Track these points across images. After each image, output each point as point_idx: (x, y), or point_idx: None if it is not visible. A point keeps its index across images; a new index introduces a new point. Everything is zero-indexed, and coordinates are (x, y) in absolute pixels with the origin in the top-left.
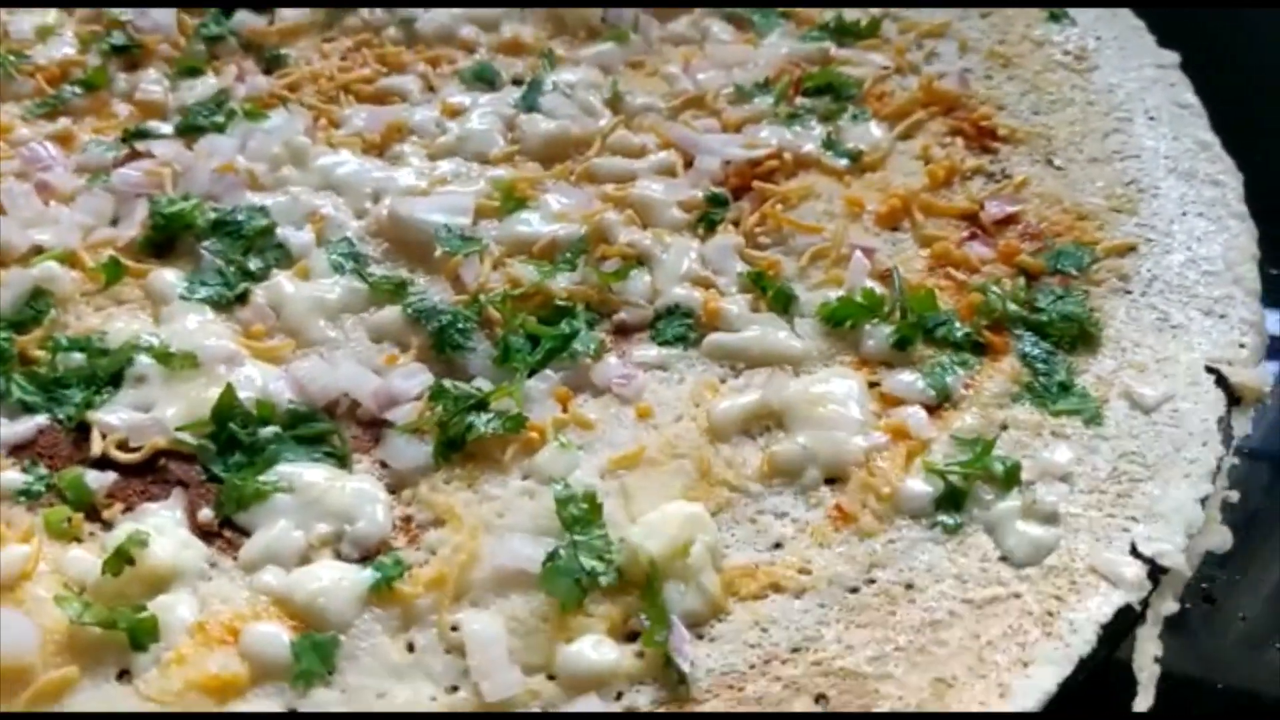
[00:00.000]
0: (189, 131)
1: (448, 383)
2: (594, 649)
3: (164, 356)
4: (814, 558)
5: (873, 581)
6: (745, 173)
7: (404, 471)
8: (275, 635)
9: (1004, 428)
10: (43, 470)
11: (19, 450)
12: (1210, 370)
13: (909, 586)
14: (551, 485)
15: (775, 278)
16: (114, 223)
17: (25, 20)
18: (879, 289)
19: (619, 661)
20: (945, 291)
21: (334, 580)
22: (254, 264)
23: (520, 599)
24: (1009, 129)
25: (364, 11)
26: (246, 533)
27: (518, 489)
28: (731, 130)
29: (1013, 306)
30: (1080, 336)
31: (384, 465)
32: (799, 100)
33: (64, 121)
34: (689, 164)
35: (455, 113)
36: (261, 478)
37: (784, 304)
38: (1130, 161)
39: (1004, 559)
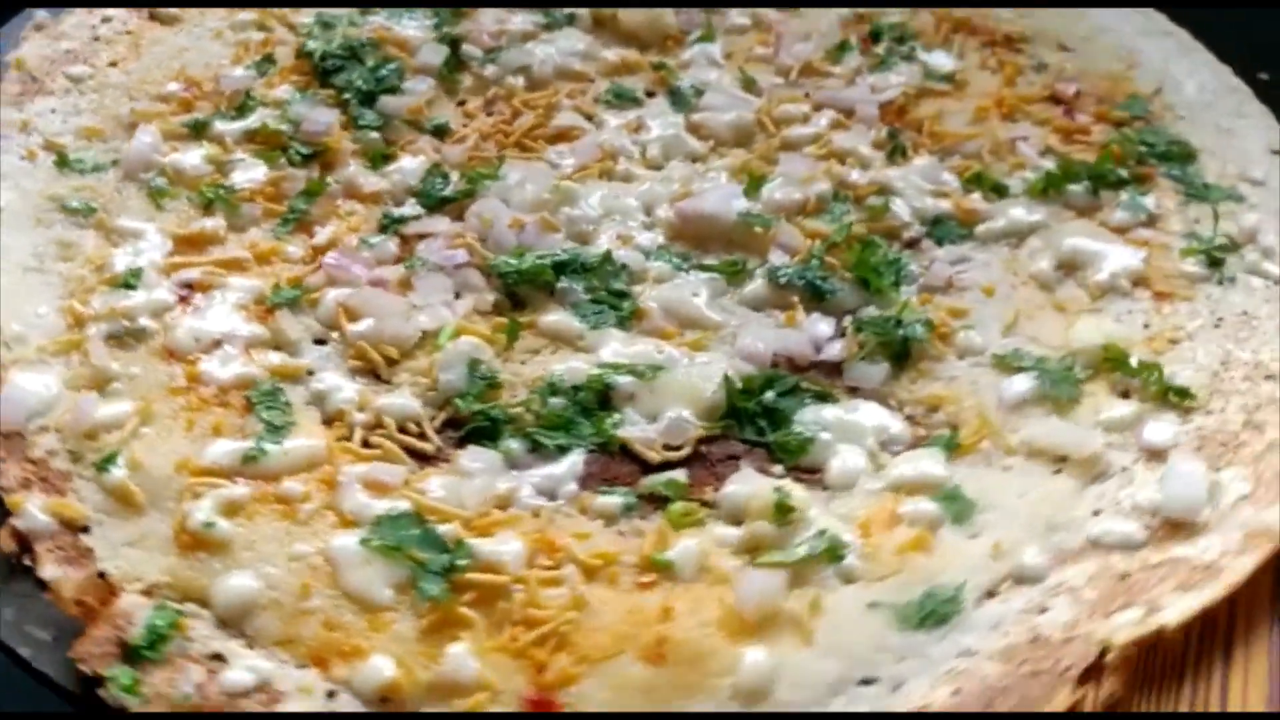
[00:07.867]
0: (439, 205)
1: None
2: None
3: (640, 373)
4: None
5: None
6: (889, 113)
7: (878, 389)
8: None
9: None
10: (621, 488)
11: (586, 480)
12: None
13: None
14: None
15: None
16: (457, 295)
17: (193, 155)
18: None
19: None
20: (1083, 151)
21: None
22: (615, 285)
23: None
24: (1019, 31)
25: (480, 69)
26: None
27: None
28: (849, 82)
29: (1142, 146)
30: (1187, 155)
31: (854, 390)
32: (873, 49)
33: (319, 230)
34: (849, 115)
35: (637, 128)
36: (797, 428)
37: (1002, 191)
38: (1110, 34)
39: None
